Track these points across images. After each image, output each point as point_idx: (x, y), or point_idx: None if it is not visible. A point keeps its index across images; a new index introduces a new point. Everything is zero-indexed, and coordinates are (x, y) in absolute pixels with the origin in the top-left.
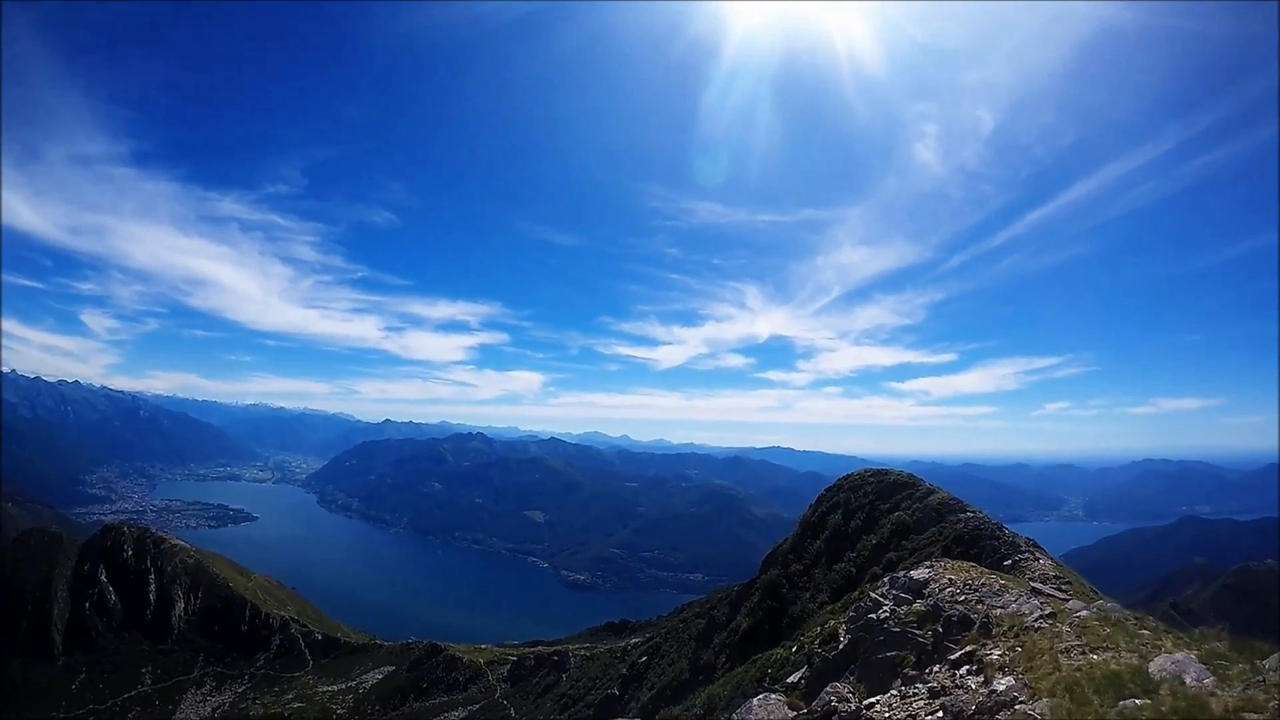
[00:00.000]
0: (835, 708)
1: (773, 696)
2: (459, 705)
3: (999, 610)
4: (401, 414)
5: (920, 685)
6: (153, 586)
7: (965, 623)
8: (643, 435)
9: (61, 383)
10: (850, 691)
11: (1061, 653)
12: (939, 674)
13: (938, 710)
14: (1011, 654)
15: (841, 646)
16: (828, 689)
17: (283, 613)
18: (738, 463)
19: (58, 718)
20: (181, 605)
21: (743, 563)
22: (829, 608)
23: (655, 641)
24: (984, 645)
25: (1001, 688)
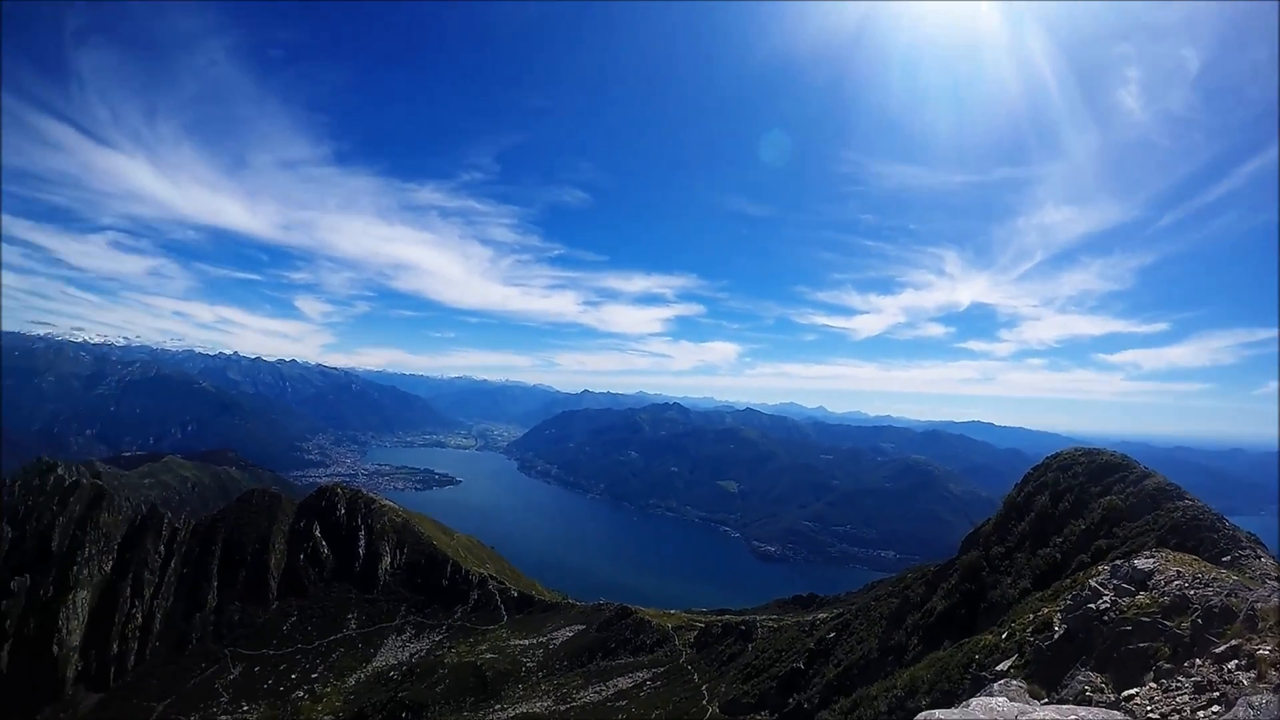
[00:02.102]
0: (1090, 697)
1: (1013, 683)
2: (644, 667)
3: (1259, 605)
4: (599, 385)
5: (1182, 679)
6: (362, 542)
7: (1226, 615)
8: (839, 406)
9: (280, 362)
10: (1103, 682)
11: None
12: (1203, 668)
13: (1206, 704)
14: None
15: (1056, 636)
16: (1078, 678)
17: (481, 570)
18: (935, 437)
19: (269, 653)
20: (388, 559)
21: (937, 542)
22: (1035, 595)
23: (845, 618)
24: (1250, 640)
25: None
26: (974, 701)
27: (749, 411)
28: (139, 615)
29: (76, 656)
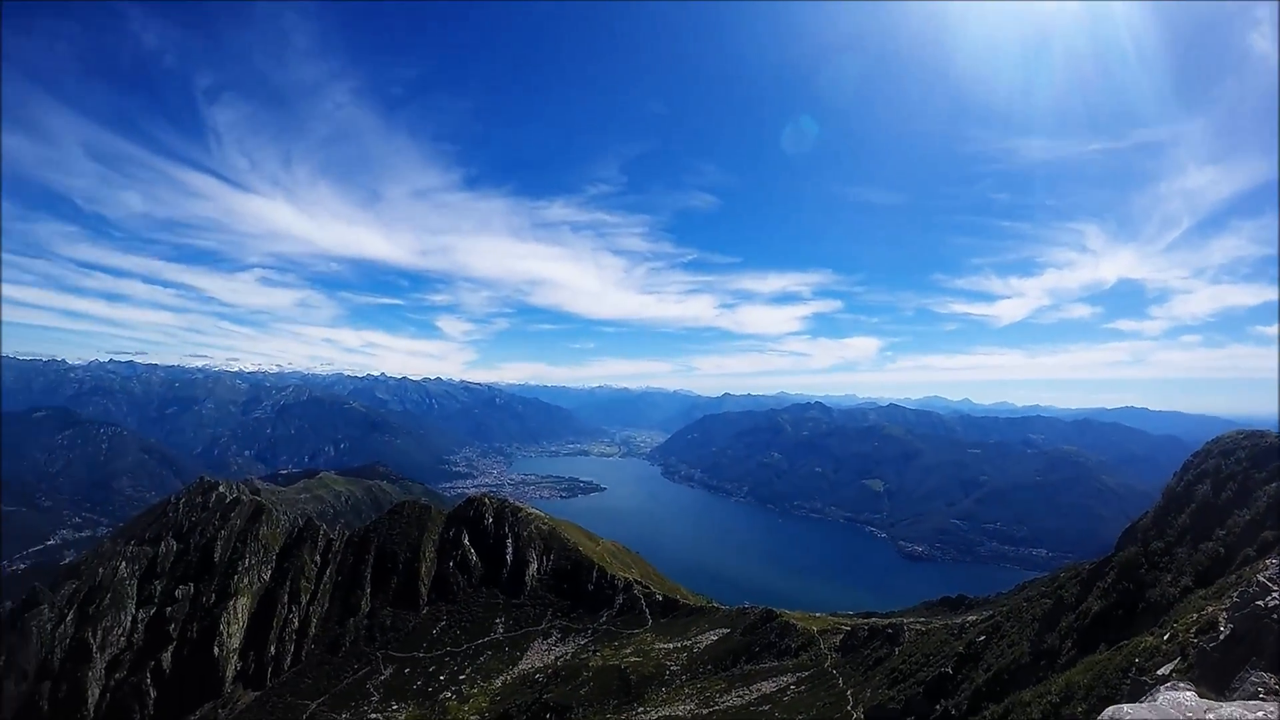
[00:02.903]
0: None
1: (1180, 684)
2: (788, 671)
3: None
4: (739, 387)
5: None
6: (509, 549)
7: None
8: (984, 398)
9: (426, 380)
10: (1277, 683)
11: None
12: None
13: None
14: None
15: (1223, 636)
16: (1250, 680)
17: (626, 574)
18: (1086, 426)
19: (419, 655)
20: (535, 566)
21: (1091, 538)
22: (1197, 593)
23: (995, 620)
24: None
25: None
26: (1161, 696)
27: (892, 407)
28: (295, 620)
29: (236, 657)
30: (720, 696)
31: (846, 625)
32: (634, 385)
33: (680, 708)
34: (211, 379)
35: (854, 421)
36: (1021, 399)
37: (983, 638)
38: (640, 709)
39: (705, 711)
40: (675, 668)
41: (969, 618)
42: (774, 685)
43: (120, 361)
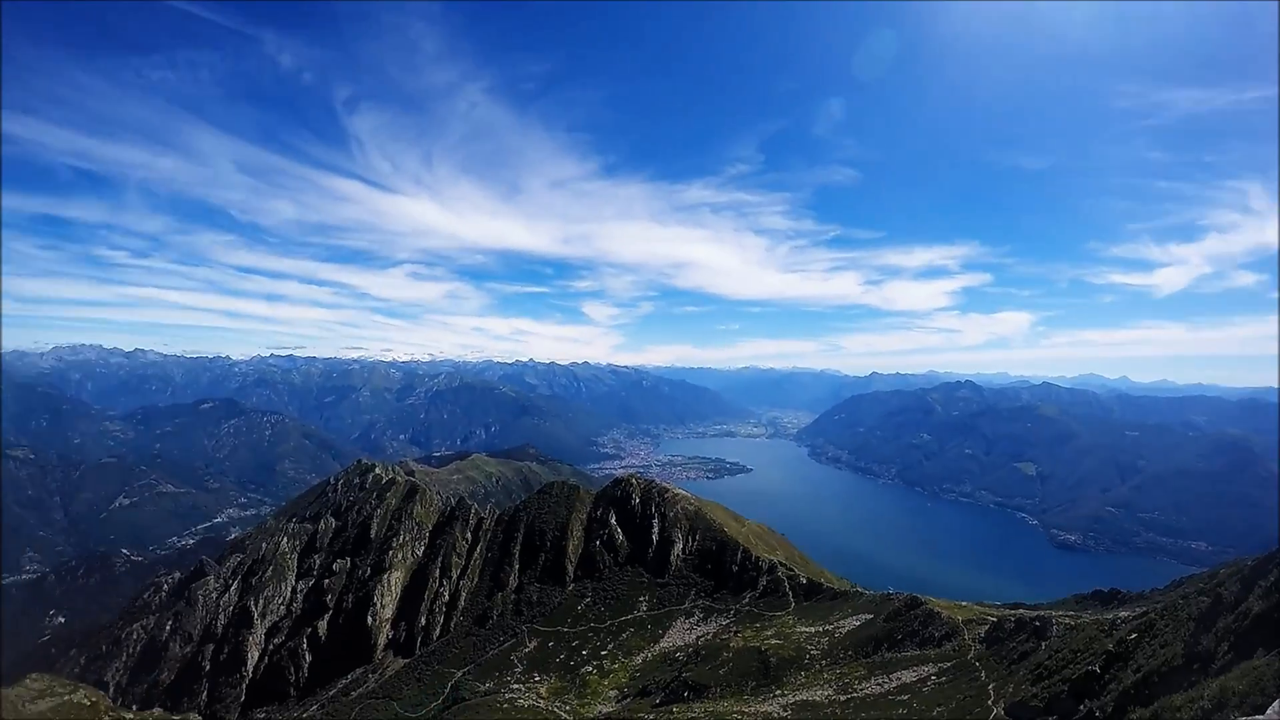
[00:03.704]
0: None
1: None
2: (930, 661)
3: None
4: (887, 366)
5: None
6: (655, 529)
7: None
8: (1144, 375)
9: (574, 365)
10: None
11: None
12: None
13: None
14: None
15: None
16: None
17: (771, 556)
18: (1255, 407)
19: (563, 630)
20: (680, 546)
21: (1257, 531)
22: None
23: (1149, 618)
24: None
25: None
26: None
27: (1046, 386)
28: (446, 593)
29: (387, 627)
30: (859, 684)
31: (992, 616)
32: (780, 365)
33: (818, 693)
34: (367, 369)
35: (1006, 401)
36: (1183, 377)
37: (1134, 636)
38: (778, 691)
39: (843, 698)
40: (815, 652)
41: (1121, 614)
42: (914, 675)
43: (281, 355)
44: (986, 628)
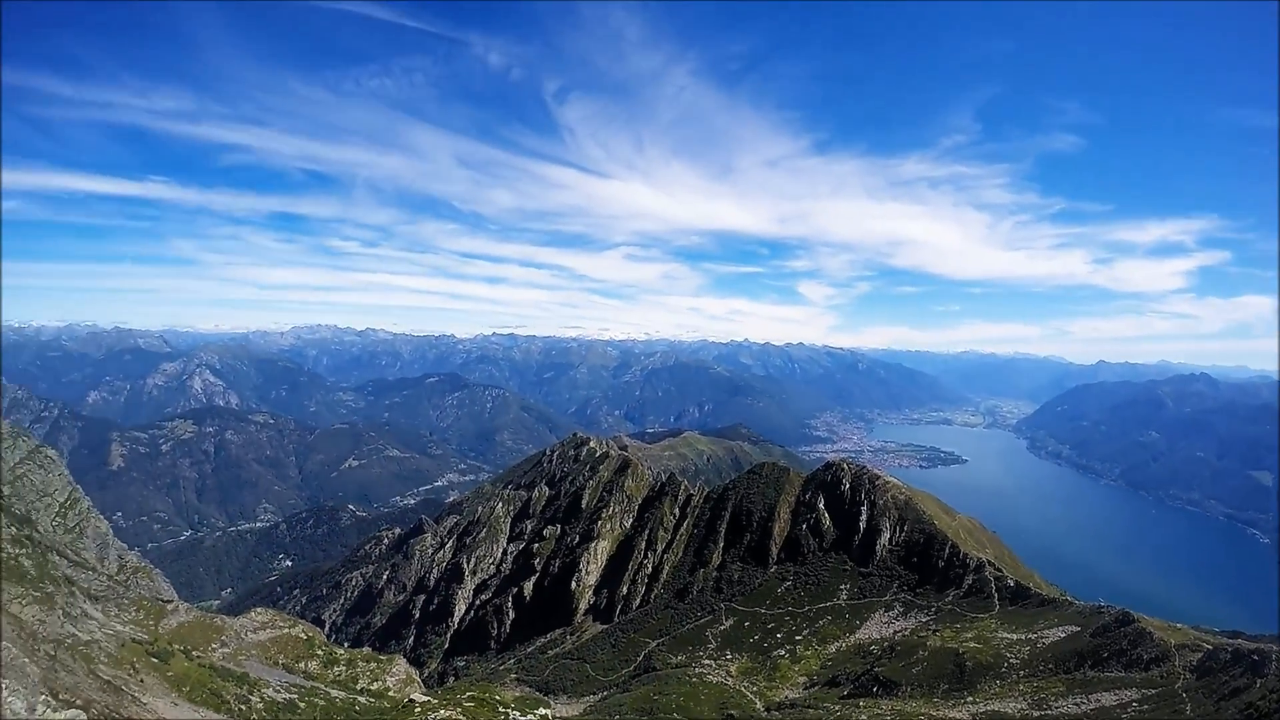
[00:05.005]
0: None
1: None
2: (1134, 685)
3: None
4: (1115, 354)
5: None
6: (863, 517)
7: None
8: None
9: (789, 345)
10: None
11: None
12: None
13: None
14: None
15: None
16: None
17: (979, 554)
18: None
19: (760, 611)
20: (887, 536)
21: None
22: None
23: None
24: None
25: None
26: None
27: None
28: (649, 565)
29: (590, 593)
30: (1055, 700)
31: (1207, 643)
32: (1001, 351)
33: (1010, 705)
34: (584, 347)
35: (1245, 397)
36: None
37: None
38: (969, 698)
39: (1035, 714)
40: (1014, 661)
41: None
42: (1115, 698)
43: (502, 334)
44: (1199, 656)
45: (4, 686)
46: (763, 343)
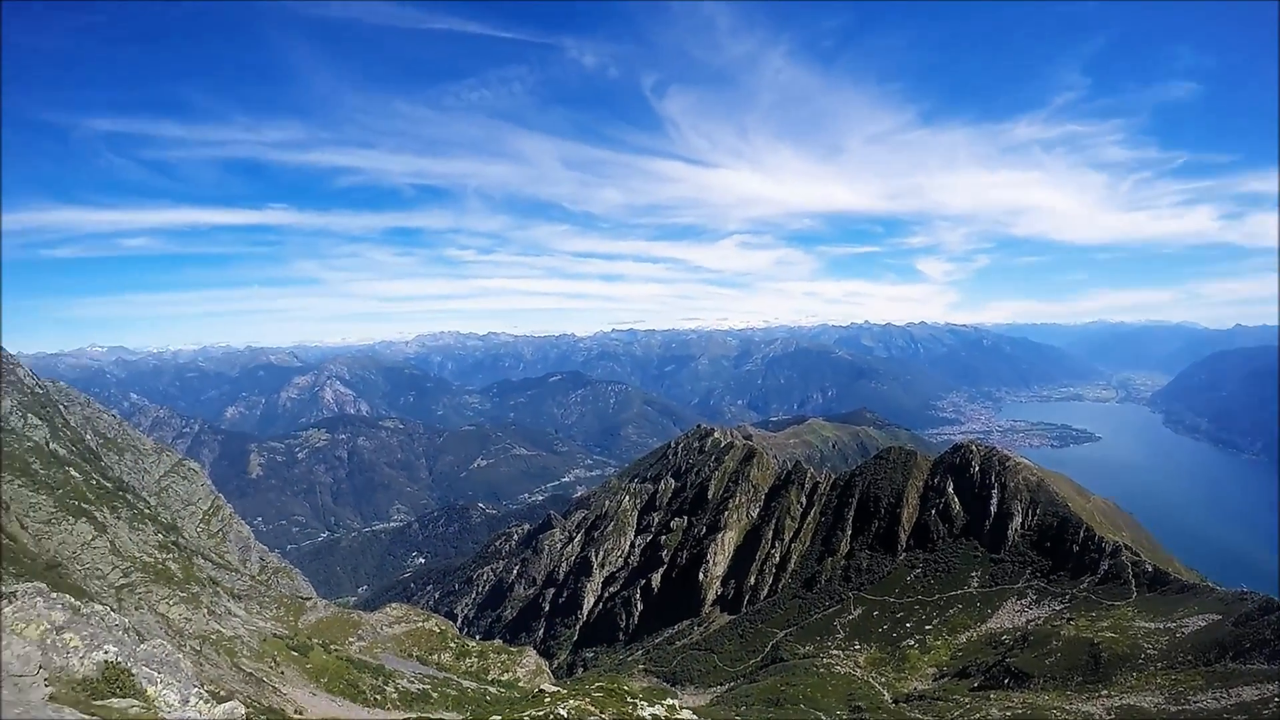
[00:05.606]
0: None
1: None
2: (1275, 678)
3: None
4: (1254, 316)
5: None
6: (994, 500)
7: None
8: None
9: (910, 325)
10: None
11: None
12: None
13: None
14: None
15: None
16: None
17: (1115, 538)
18: None
19: (889, 600)
20: (1019, 520)
21: None
22: None
23: None
24: None
25: None
26: None
27: None
28: (776, 555)
29: (717, 584)
30: (1193, 694)
31: None
32: (1131, 319)
33: (1147, 698)
34: (703, 338)
35: None
36: None
37: None
38: (1104, 690)
39: (1173, 708)
40: (1152, 651)
41: None
42: (1257, 693)
43: (621, 330)
44: None
45: (159, 681)
46: (883, 324)
